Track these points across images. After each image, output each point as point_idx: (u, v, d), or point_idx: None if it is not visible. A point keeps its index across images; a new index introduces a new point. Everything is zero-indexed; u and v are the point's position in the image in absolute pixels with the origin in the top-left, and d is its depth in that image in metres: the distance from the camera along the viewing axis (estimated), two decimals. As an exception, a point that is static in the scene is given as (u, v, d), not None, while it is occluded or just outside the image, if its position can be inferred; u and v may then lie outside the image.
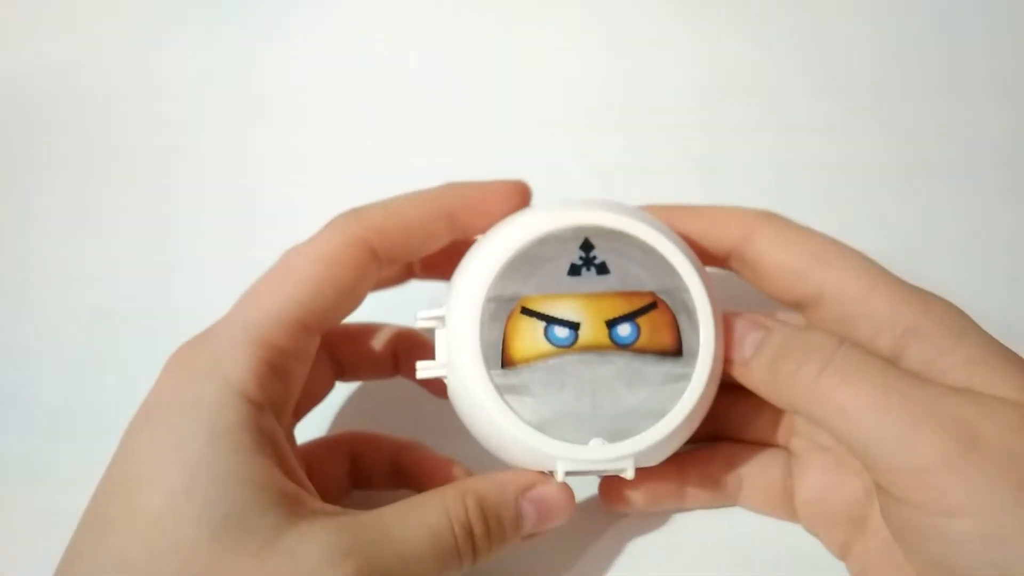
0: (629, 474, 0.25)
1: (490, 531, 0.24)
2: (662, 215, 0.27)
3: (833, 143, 0.37)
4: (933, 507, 0.22)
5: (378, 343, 0.30)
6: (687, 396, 0.25)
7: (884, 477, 0.23)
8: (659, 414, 0.24)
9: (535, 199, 0.28)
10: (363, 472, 0.29)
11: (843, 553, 0.27)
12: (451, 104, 0.39)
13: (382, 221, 0.26)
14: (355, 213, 0.26)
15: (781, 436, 0.29)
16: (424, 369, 0.26)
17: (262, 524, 0.21)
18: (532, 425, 0.24)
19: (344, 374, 0.30)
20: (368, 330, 0.31)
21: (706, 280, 0.26)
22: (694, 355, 0.25)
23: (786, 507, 0.28)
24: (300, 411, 0.28)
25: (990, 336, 0.24)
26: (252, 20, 0.42)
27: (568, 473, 0.24)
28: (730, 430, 0.29)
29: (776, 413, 0.28)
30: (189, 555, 0.21)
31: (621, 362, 0.25)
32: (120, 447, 0.23)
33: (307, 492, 0.23)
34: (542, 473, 0.25)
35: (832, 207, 0.36)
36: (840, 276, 0.25)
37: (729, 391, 0.27)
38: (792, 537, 0.28)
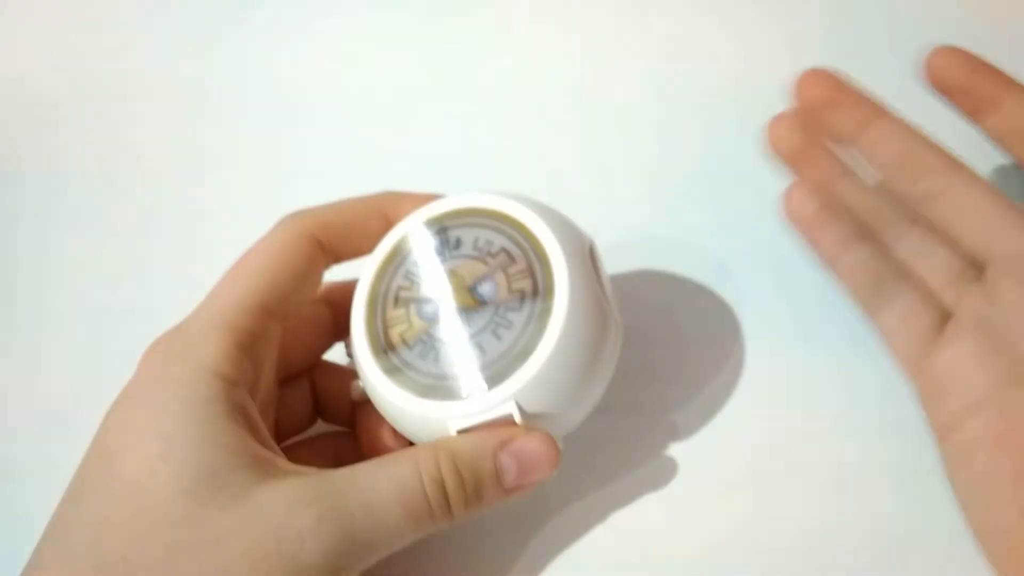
0: (517, 418, 0.25)
1: (464, 484, 0.25)
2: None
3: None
4: None
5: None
6: (551, 328, 0.25)
7: None
8: (528, 351, 0.25)
9: (532, 197, 0.29)
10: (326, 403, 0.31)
11: (944, 435, 0.27)
12: (445, 105, 0.40)
13: (326, 217, 0.28)
14: (301, 211, 0.28)
15: (948, 292, 0.28)
16: (354, 389, 0.28)
17: (233, 481, 0.23)
18: (416, 395, 0.25)
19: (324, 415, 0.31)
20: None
21: (557, 225, 0.27)
22: (552, 290, 0.26)
23: (917, 360, 0.28)
24: (282, 437, 0.30)
25: None
26: (254, 21, 0.42)
27: (460, 431, 0.25)
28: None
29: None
30: (163, 512, 0.22)
31: (486, 316, 0.26)
32: (100, 427, 0.25)
33: (278, 456, 0.24)
34: (526, 426, 0.25)
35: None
36: None
37: None
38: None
